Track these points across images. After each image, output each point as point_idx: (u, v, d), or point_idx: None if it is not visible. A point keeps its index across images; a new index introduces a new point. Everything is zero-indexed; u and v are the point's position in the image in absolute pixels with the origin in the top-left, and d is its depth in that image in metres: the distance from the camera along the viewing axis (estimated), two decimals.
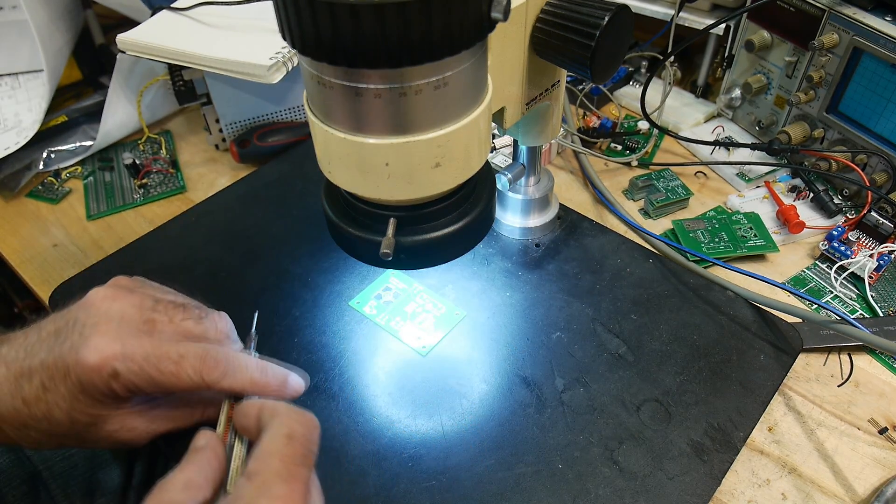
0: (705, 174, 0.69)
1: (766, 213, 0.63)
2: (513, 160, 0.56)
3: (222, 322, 0.43)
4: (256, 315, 0.46)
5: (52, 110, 0.77)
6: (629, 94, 0.78)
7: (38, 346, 0.39)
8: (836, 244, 0.58)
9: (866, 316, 0.55)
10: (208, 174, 0.73)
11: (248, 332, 0.45)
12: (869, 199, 0.60)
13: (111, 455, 0.54)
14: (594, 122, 0.72)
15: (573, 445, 0.44)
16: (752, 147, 0.68)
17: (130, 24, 0.69)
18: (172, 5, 0.69)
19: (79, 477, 0.51)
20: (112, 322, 0.38)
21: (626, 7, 0.39)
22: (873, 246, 0.59)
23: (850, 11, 0.58)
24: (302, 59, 0.32)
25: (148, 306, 0.40)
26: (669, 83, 0.69)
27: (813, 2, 0.60)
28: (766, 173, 0.68)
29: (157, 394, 0.40)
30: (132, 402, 0.40)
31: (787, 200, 0.64)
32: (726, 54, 0.71)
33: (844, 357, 0.52)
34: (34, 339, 0.39)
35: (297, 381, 0.42)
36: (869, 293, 0.56)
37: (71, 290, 0.56)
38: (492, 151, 0.72)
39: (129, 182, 0.71)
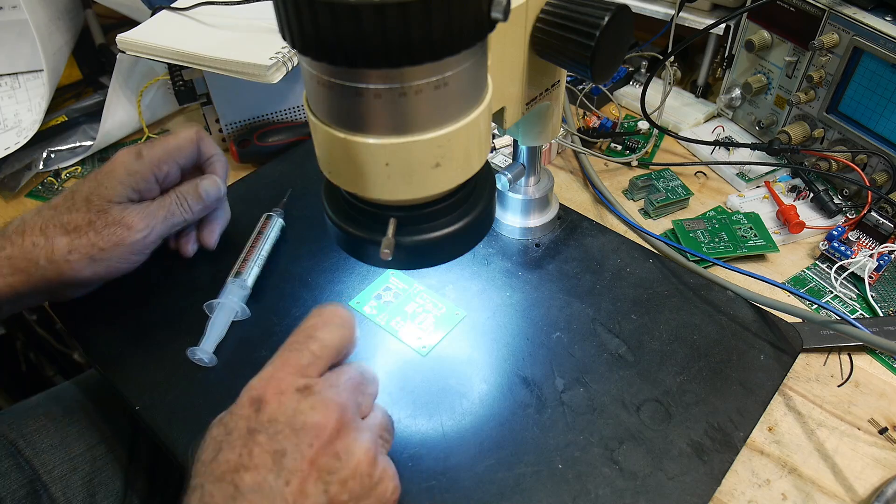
0: (705, 174, 0.69)
1: (766, 213, 0.63)
2: (513, 160, 0.56)
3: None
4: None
5: (52, 110, 0.77)
6: (629, 94, 0.78)
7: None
8: (836, 244, 0.58)
9: (866, 316, 0.55)
10: None
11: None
12: (869, 199, 0.60)
13: (112, 458, 0.54)
14: (594, 122, 0.72)
15: (573, 445, 0.44)
16: (752, 147, 0.68)
17: (130, 24, 0.69)
18: (172, 5, 0.69)
19: (79, 480, 0.52)
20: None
21: (626, 7, 0.39)
22: (873, 246, 0.59)
23: (851, 11, 0.58)
24: (302, 58, 0.32)
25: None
26: (669, 83, 0.69)
27: (813, 2, 0.60)
28: (766, 173, 0.68)
29: (166, 161, 0.52)
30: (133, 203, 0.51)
31: (787, 200, 0.64)
32: (726, 54, 0.71)
33: (844, 357, 0.52)
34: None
35: None
36: (869, 293, 0.56)
37: None
38: (492, 151, 0.72)
39: None
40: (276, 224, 0.58)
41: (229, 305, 0.51)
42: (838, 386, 0.50)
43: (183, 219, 0.53)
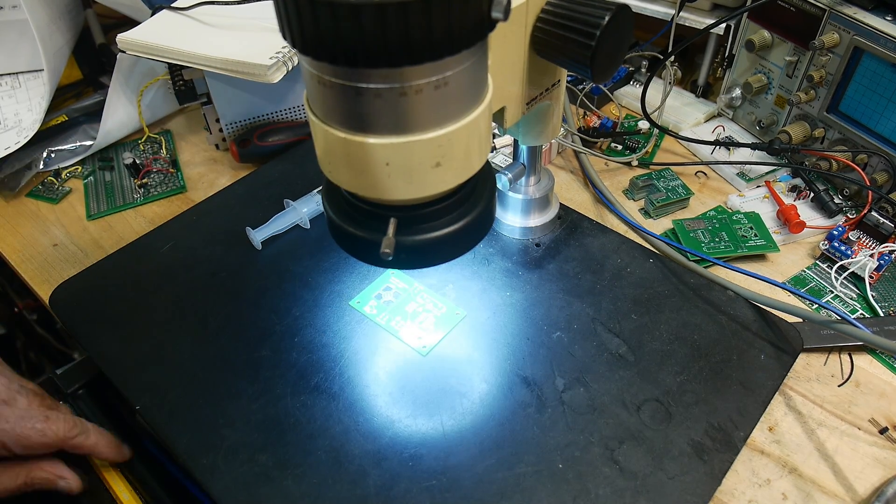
0: (706, 174, 0.69)
1: (767, 213, 0.63)
2: (513, 160, 0.56)
3: (67, 412, 0.49)
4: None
5: (52, 110, 0.77)
6: (629, 93, 0.78)
7: None
8: (836, 244, 0.58)
9: (867, 316, 0.55)
10: (208, 174, 0.72)
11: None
12: (869, 199, 0.60)
13: None
14: (594, 121, 0.72)
15: (573, 445, 0.44)
16: (753, 147, 0.68)
17: (130, 23, 0.69)
18: (172, 5, 0.69)
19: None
20: None
21: (626, 7, 0.39)
22: (874, 246, 0.59)
23: (851, 11, 0.58)
24: (302, 58, 0.32)
25: (14, 388, 0.46)
26: (670, 83, 0.69)
27: (813, 1, 0.60)
28: (767, 173, 0.68)
29: (20, 451, 0.45)
30: None
31: (788, 200, 0.64)
32: (727, 54, 0.71)
33: (845, 357, 0.52)
34: None
35: (127, 450, 0.50)
36: (869, 293, 0.56)
37: (71, 290, 0.56)
38: (492, 151, 0.72)
39: (130, 182, 0.71)
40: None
41: (299, 208, 0.60)
42: (839, 386, 0.50)
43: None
